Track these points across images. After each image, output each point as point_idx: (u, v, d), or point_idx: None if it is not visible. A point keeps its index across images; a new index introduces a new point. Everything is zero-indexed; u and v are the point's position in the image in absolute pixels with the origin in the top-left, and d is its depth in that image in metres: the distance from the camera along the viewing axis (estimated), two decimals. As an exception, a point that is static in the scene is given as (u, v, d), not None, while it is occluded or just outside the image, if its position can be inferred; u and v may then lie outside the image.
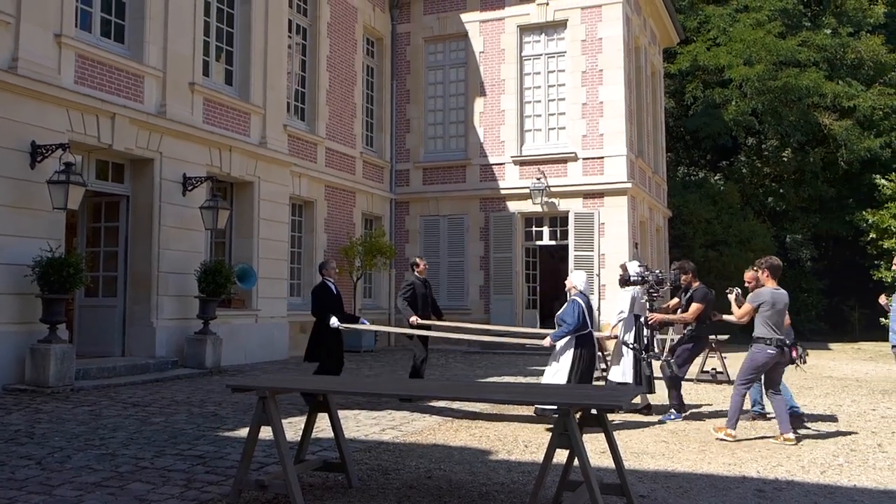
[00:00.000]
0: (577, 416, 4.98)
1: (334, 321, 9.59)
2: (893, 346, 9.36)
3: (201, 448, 7.04)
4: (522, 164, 20.23)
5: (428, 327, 10.72)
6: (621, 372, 9.55)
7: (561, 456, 5.12)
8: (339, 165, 19.39)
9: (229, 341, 14.11)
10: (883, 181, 26.54)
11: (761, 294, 8.07)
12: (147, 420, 8.51)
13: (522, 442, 7.64)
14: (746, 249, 25.54)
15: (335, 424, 5.79)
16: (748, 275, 9.15)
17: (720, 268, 25.20)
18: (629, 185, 19.21)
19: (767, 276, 8.13)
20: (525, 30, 20.68)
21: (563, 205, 19.71)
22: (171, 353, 13.23)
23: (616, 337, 9.73)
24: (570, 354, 8.36)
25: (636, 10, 21.52)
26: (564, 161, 19.83)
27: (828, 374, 14.92)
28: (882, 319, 8.47)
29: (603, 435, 5.24)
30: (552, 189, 19.62)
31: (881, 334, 26.32)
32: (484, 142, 20.71)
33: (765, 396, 8.68)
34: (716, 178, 31.34)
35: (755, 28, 26.54)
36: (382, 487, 5.75)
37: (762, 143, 31.29)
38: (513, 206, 20.22)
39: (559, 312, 8.58)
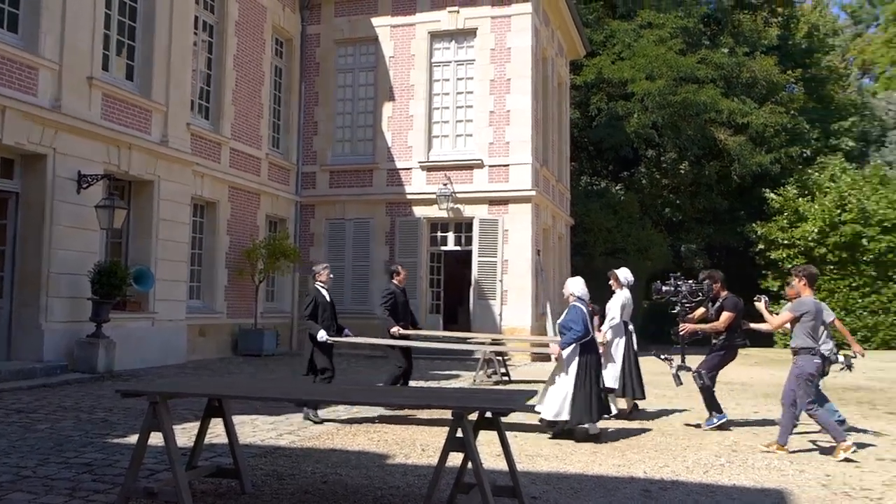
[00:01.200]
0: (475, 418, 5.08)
1: (322, 335, 9.23)
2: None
3: (89, 455, 6.84)
4: (429, 169, 20.35)
5: (407, 337, 10.49)
6: (611, 377, 9.70)
7: (457, 459, 5.21)
8: (244, 166, 19.10)
9: (124, 345, 13.68)
10: (772, 195, 27.89)
11: (804, 303, 7.93)
12: (31, 427, 8.20)
13: (420, 445, 7.71)
14: (644, 258, 26.38)
15: (229, 429, 5.73)
16: (790, 290, 8.96)
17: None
18: (533, 192, 19.57)
19: (805, 285, 8.07)
20: (436, 36, 20.83)
21: (468, 211, 19.92)
22: (60, 357, 12.75)
23: (605, 343, 9.83)
24: (576, 363, 8.29)
25: (545, 21, 21.96)
26: (471, 168, 20.05)
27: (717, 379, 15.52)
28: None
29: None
30: (458, 195, 19.81)
31: (766, 340, 27.59)
32: (392, 146, 20.74)
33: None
34: (617, 188, 32.21)
35: (657, 44, 27.40)
36: (276, 493, 5.72)
37: (661, 155, 32.34)
38: (419, 210, 20.31)
39: (561, 320, 8.53)
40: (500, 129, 19.93)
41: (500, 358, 14.49)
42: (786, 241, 27.02)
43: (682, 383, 9.41)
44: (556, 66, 24.02)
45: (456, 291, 21.51)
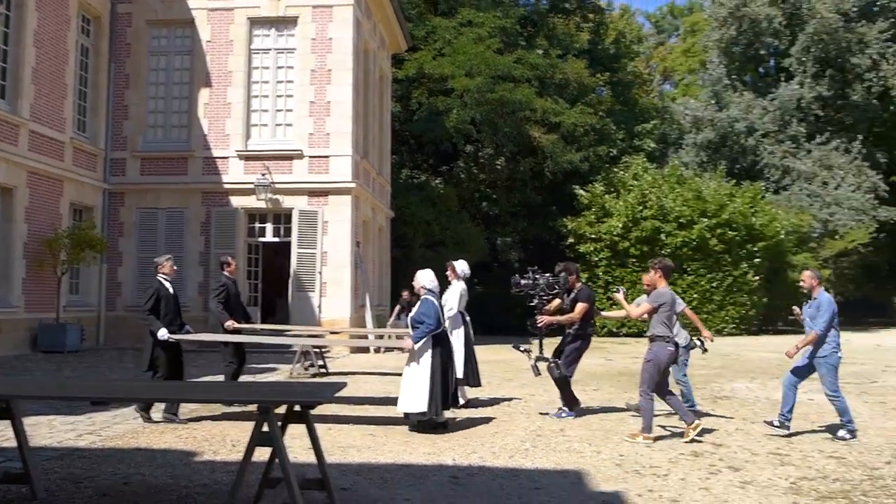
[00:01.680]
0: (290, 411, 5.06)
1: (163, 333, 8.68)
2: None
3: None
4: (248, 158, 19.91)
5: (240, 331, 10.15)
6: (457, 368, 9.67)
7: (267, 454, 5.18)
8: (46, 150, 17.89)
9: None
10: (581, 192, 29.38)
11: (663, 294, 8.36)
12: None
13: (231, 441, 7.58)
14: (462, 250, 27.00)
15: (18, 432, 5.40)
16: (646, 278, 9.29)
17: (437, 268, 26.39)
18: (353, 185, 19.60)
19: (660, 277, 8.49)
20: (255, 23, 20.37)
21: (287, 202, 19.67)
22: None
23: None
24: (428, 354, 8.28)
25: (367, 14, 21.99)
26: (290, 158, 19.80)
27: (527, 367, 16.15)
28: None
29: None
30: (277, 186, 19.51)
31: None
32: (208, 134, 20.11)
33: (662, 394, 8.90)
34: (436, 181, 32.82)
35: (477, 43, 28.10)
36: (71, 497, 5.46)
37: (479, 150, 33.26)
38: (236, 201, 19.84)
39: (413, 313, 8.45)
40: (320, 120, 19.80)
41: (317, 350, 14.44)
42: (593, 236, 28.52)
43: (539, 373, 9.59)
44: (378, 59, 24.14)
45: (274, 283, 21.19)
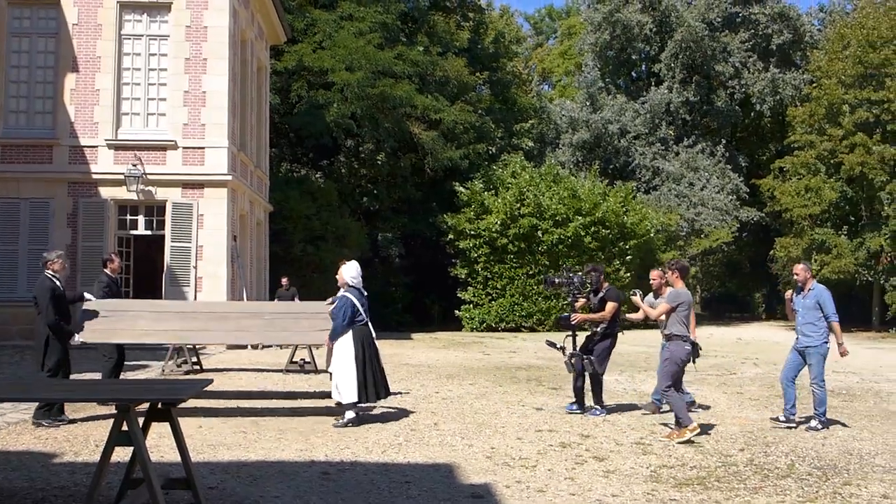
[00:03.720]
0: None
1: (79, 339, 8.35)
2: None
3: None
4: (118, 148, 19.11)
5: None
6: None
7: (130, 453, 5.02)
8: None
9: None
10: (461, 188, 29.74)
11: (680, 294, 8.56)
12: None
13: (94, 441, 7.29)
14: (342, 245, 26.89)
15: None
16: (654, 273, 9.44)
17: (317, 262, 26.21)
18: (230, 177, 19.15)
19: (677, 277, 8.65)
20: (125, 7, 19.54)
21: (160, 194, 19.01)
22: None
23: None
24: (350, 345, 8.53)
25: (244, 3, 21.51)
26: (164, 149, 19.14)
27: (405, 362, 16.23)
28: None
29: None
30: (149, 177, 18.82)
31: (457, 324, 29.51)
32: (75, 121, 19.18)
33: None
34: (317, 175, 32.51)
35: (357, 37, 27.96)
36: (-86, 503, 5.15)
37: (360, 145, 33.15)
38: (106, 192, 19.01)
39: (327, 303, 8.72)
40: (195, 110, 19.22)
41: (191, 347, 14.05)
42: (473, 232, 28.92)
43: (574, 369, 9.70)
44: (256, 49, 23.66)
45: (147, 278, 20.44)
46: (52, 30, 19.53)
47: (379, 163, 32.42)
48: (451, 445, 7.69)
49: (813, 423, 9.14)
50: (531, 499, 5.90)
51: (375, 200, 33.23)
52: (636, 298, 9.25)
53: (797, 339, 9.39)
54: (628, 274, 29.96)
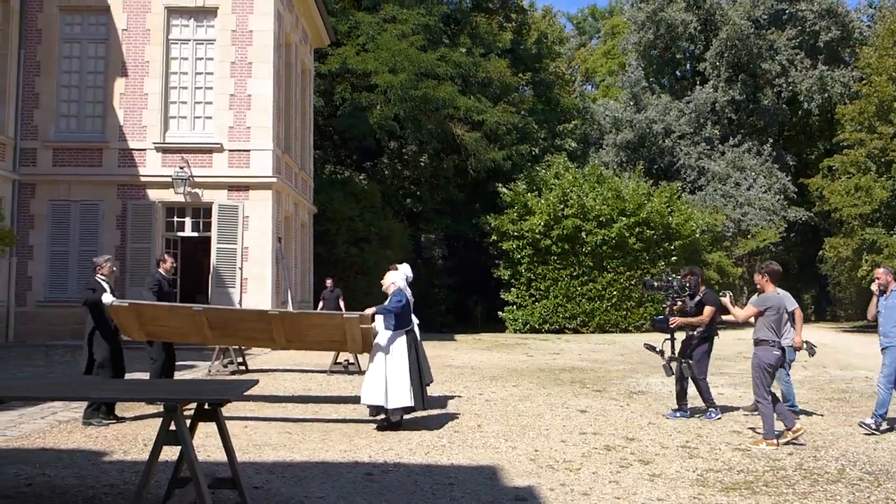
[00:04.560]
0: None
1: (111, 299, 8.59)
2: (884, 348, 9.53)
3: None
4: (165, 151, 19.43)
5: None
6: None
7: (178, 452, 5.09)
8: (-52, 139, 17.12)
9: None
10: (504, 189, 29.68)
11: (769, 299, 8.48)
12: None
13: (142, 440, 7.41)
14: (385, 246, 27.01)
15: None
16: (757, 277, 9.21)
17: (361, 263, 26.35)
18: (274, 179, 19.35)
19: (768, 281, 8.61)
20: (173, 12, 19.87)
21: (206, 196, 19.28)
22: None
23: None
24: (404, 349, 8.51)
25: (289, 7, 21.73)
26: (210, 151, 19.41)
27: (448, 364, 16.26)
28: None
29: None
30: (196, 179, 19.11)
31: (500, 326, 29.45)
32: (124, 125, 19.55)
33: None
34: (360, 177, 32.70)
35: (400, 39, 28.06)
36: (-30, 499, 5.28)
37: (403, 147, 33.26)
38: (153, 194, 19.34)
39: (385, 304, 8.71)
40: (241, 113, 19.47)
41: (237, 347, 14.22)
42: (516, 233, 28.84)
43: (672, 373, 9.73)
44: (301, 53, 23.88)
45: (193, 279, 20.75)
46: (102, 35, 19.93)
47: (422, 164, 32.49)
48: (494, 447, 7.66)
49: (868, 420, 8.98)
50: (575, 502, 5.86)
51: (418, 202, 33.32)
52: (726, 300, 9.17)
53: (882, 341, 9.21)
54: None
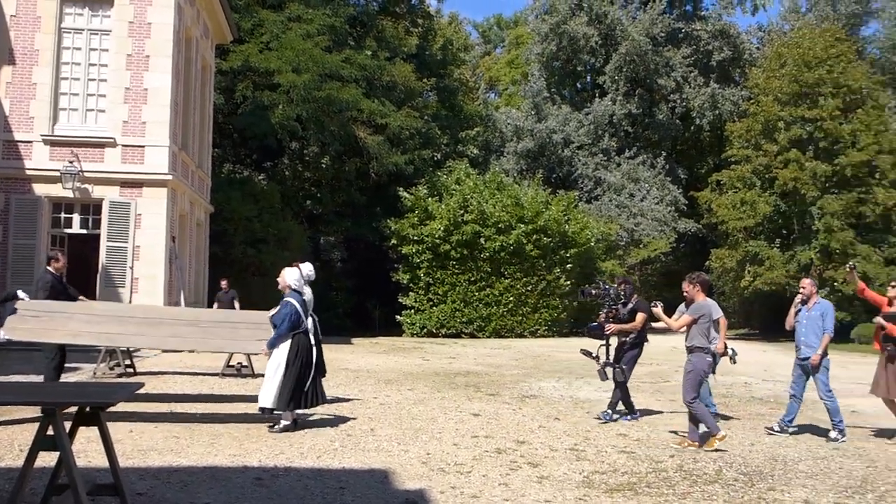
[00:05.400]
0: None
1: (4, 335, 8.27)
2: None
3: None
4: (54, 144, 18.66)
5: None
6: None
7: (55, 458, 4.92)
8: None
9: None
10: (405, 194, 29.76)
11: (701, 307, 8.78)
12: None
13: (18, 445, 7.12)
14: (283, 248, 26.67)
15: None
16: (685, 285, 9.49)
17: (258, 264, 25.95)
18: (170, 177, 18.86)
19: (698, 291, 8.91)
20: (67, 0, 19.14)
21: (97, 192, 18.62)
22: None
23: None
24: (284, 351, 8.54)
25: (190, 0, 21.22)
26: (102, 146, 18.76)
27: (344, 367, 16.16)
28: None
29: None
30: (87, 174, 18.43)
31: (398, 330, 29.47)
32: (10, 115, 18.67)
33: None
34: (260, 177, 32.19)
35: (305, 39, 27.77)
36: None
37: (305, 148, 32.94)
38: (40, 189, 18.54)
39: (272, 314, 8.63)
40: (136, 107, 18.89)
41: (125, 349, 13.78)
42: (416, 237, 28.95)
43: (607, 378, 10.01)
44: (201, 48, 23.35)
45: (81, 277, 19.95)
46: (-12, 20, 19.00)
47: (323, 166, 32.26)
48: (387, 451, 7.69)
49: (833, 433, 9.35)
50: (464, 505, 5.94)
51: (319, 204, 33.05)
52: (658, 310, 9.42)
53: (799, 350, 9.65)
54: (568, 282, 30.30)
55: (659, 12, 41.56)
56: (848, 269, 10.73)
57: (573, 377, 15.51)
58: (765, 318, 41.51)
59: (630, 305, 10.32)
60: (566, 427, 9.53)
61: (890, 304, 9.56)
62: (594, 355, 10.17)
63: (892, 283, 9.86)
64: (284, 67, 27.08)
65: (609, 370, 10.05)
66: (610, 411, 10.31)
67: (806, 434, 9.77)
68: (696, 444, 8.54)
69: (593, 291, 10.60)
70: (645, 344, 10.52)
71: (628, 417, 10.30)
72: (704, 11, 44.92)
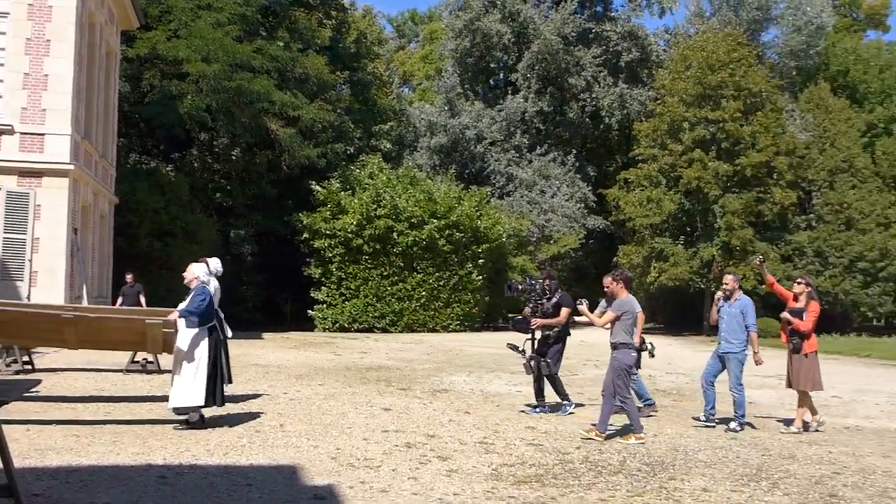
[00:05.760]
0: None
1: None
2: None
3: None
4: (-55, 130, 17.81)
5: None
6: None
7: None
8: None
9: None
10: (318, 187, 29.50)
11: (624, 303, 8.93)
12: None
13: None
14: (192, 241, 26.09)
15: None
16: (607, 280, 9.66)
17: (165, 258, 25.32)
18: (72, 166, 18.20)
19: (622, 287, 9.09)
20: (-41, -20, 18.25)
21: (-7, 181, 17.84)
22: None
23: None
24: (204, 346, 8.33)
25: (93, -16, 20.51)
26: (-1, 133, 17.98)
27: (254, 362, 15.93)
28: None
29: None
30: (-19, 163, 17.64)
31: (309, 324, 29.23)
32: None
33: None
34: (167, 168, 31.37)
35: (215, 28, 27.16)
36: None
37: (214, 139, 32.27)
38: (-71, 177, 17.66)
39: (185, 305, 8.39)
40: (35, 94, 18.15)
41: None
42: (328, 232, 28.74)
43: (532, 371, 10.28)
44: (106, 34, 22.58)
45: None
46: None
47: (234, 158, 31.66)
48: (296, 447, 7.65)
49: (733, 424, 9.70)
50: (374, 499, 5.97)
51: (229, 196, 32.44)
52: (583, 308, 9.65)
53: (719, 344, 9.97)
54: (480, 277, 30.60)
55: (570, 12, 42.25)
56: (757, 262, 11.21)
57: (484, 371, 15.69)
58: (669, 312, 42.92)
59: (554, 300, 10.51)
60: (476, 421, 9.65)
61: (795, 299, 10.01)
62: (520, 349, 10.45)
63: (798, 280, 10.34)
64: (193, 56, 26.44)
65: (534, 363, 10.32)
66: (567, 403, 10.62)
67: (706, 424, 10.14)
68: (603, 435, 8.75)
69: (520, 286, 10.80)
70: (568, 338, 10.72)
71: (568, 409, 10.54)
72: (614, 13, 45.89)
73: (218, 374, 8.52)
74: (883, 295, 37.24)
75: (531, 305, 10.44)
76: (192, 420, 8.35)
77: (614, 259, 39.24)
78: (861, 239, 36.19)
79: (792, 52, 43.64)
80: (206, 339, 8.49)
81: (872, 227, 36.62)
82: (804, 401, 9.90)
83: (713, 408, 9.97)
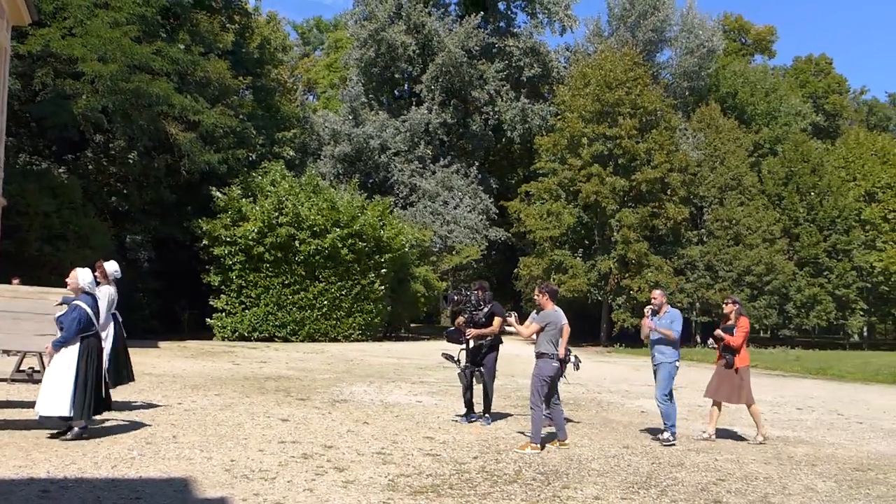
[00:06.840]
0: None
1: None
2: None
3: None
4: None
5: None
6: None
7: None
8: None
9: None
10: (218, 194, 28.98)
11: (549, 315, 9.21)
12: None
13: None
14: (85, 246, 25.21)
15: None
16: (536, 291, 9.72)
17: (56, 263, 24.36)
18: (-45, 167, 17.40)
19: (547, 299, 9.34)
20: None
21: None
22: None
23: None
24: (74, 355, 8.03)
25: (-19, -23, 19.66)
26: None
27: (149, 372, 15.54)
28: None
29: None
30: None
31: (208, 333, 28.64)
32: None
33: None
34: (60, 170, 30.23)
35: (113, 27, 26.33)
36: None
37: (110, 142, 31.28)
38: None
39: (60, 315, 8.03)
40: (-84, 90, 17.29)
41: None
42: (229, 239, 28.23)
43: (467, 380, 10.49)
44: (-5, 29, 21.66)
45: None
46: None
47: (131, 161, 30.72)
48: (188, 459, 7.55)
49: (665, 434, 9.95)
50: (267, 511, 5.97)
51: (125, 201, 31.45)
52: (511, 319, 9.90)
53: (653, 357, 10.21)
54: (383, 287, 30.64)
55: (474, 26, 42.88)
56: (711, 341, 10.86)
57: (384, 381, 15.76)
58: (569, 323, 43.82)
59: (486, 309, 10.74)
60: (374, 431, 9.72)
61: (727, 319, 10.47)
62: (455, 359, 10.71)
63: (725, 300, 10.90)
64: (89, 55, 25.57)
65: (468, 373, 10.60)
66: (488, 415, 10.85)
67: (600, 433, 10.49)
68: (538, 446, 8.96)
69: (455, 297, 11.07)
70: (500, 346, 10.95)
71: (488, 421, 10.76)
72: (517, 28, 46.84)
73: (89, 383, 8.18)
74: (768, 308, 39.16)
75: (465, 316, 10.69)
76: (72, 435, 8.09)
77: (515, 270, 39.94)
78: (748, 254, 37.97)
79: (685, 73, 45.54)
80: (77, 346, 8.20)
81: (759, 243, 38.48)
82: (754, 413, 10.45)
83: (674, 423, 10.12)
